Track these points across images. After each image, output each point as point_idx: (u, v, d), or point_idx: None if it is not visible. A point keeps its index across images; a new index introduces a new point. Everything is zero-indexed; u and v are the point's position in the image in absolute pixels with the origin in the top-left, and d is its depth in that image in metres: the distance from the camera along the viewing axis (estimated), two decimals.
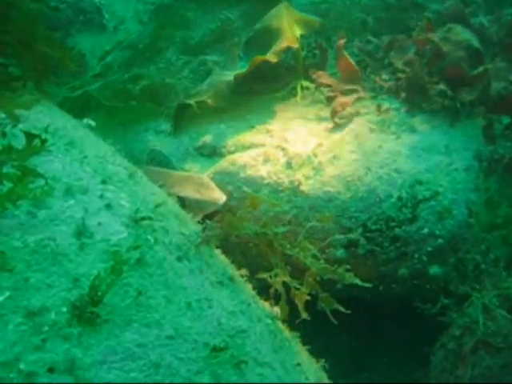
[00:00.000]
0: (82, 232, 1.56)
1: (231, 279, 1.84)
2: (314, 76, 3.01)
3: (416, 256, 2.62)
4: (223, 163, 2.84)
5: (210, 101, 3.00)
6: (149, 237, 1.67)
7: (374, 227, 2.61)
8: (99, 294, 1.40)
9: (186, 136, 3.05)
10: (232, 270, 1.93)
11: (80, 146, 1.88)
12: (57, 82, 3.20)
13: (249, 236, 1.90)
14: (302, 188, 2.66)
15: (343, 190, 2.63)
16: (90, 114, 3.43)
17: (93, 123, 2.16)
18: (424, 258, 2.62)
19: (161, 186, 2.76)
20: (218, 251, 2.03)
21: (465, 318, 2.48)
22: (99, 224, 1.61)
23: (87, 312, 1.38)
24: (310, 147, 2.74)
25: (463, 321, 2.48)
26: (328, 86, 2.98)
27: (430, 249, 2.61)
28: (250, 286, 2.05)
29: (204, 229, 1.87)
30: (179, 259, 1.70)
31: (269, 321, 1.90)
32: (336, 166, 2.68)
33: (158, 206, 1.79)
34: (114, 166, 1.87)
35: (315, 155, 2.72)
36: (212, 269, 1.81)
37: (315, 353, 2.08)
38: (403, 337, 2.89)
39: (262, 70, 3.17)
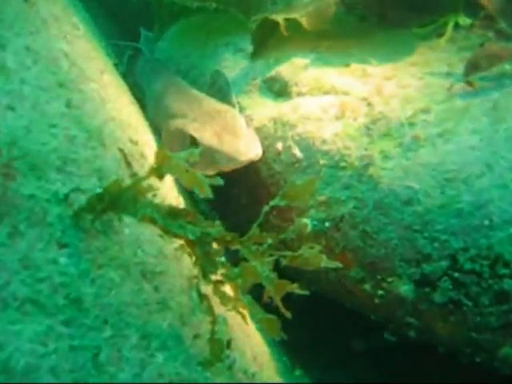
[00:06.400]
0: None
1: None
2: None
3: None
4: (284, 107, 1.91)
5: (304, 20, 2.04)
6: None
7: (468, 266, 1.51)
8: None
9: (261, 61, 2.16)
10: None
11: None
12: None
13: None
14: (373, 171, 1.64)
15: (434, 191, 1.55)
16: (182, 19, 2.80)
17: None
18: None
19: (182, 117, 1.97)
20: None
21: None
22: None
23: None
24: (410, 110, 1.68)
25: None
26: (492, 20, 1.86)
27: None
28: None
29: None
30: None
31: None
32: (438, 149, 1.59)
33: None
34: None
35: (412, 124, 1.66)
36: None
37: None
38: None
39: None
